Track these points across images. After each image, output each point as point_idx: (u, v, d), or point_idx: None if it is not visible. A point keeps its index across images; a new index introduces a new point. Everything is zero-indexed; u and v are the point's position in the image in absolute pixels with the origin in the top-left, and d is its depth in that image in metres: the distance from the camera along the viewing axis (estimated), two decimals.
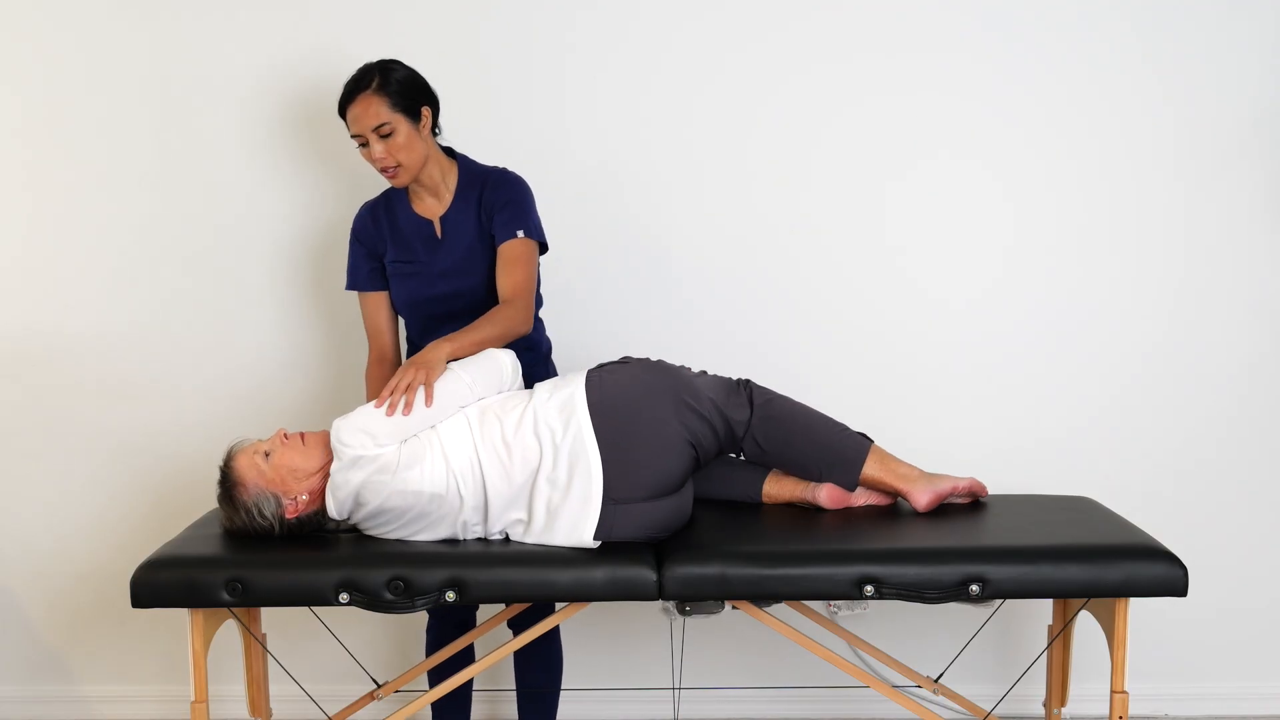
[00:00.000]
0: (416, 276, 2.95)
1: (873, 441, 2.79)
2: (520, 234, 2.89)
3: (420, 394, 2.62)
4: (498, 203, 2.91)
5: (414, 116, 2.85)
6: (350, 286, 3.03)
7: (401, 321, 3.06)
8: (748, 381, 2.79)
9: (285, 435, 2.66)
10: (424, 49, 3.22)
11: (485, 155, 3.06)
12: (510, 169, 2.99)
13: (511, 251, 2.88)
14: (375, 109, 2.81)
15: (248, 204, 3.36)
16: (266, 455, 2.62)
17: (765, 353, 3.36)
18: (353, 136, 2.86)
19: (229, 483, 2.63)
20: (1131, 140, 3.32)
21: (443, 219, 2.94)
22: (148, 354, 3.40)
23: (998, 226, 3.36)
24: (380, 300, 3.02)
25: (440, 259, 2.93)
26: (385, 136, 2.82)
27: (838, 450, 2.76)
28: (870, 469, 2.76)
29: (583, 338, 3.32)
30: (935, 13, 3.28)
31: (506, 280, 2.87)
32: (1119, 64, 3.29)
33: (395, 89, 2.83)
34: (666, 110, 3.33)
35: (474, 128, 3.23)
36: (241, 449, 2.66)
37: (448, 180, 2.95)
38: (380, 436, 2.57)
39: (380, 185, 3.09)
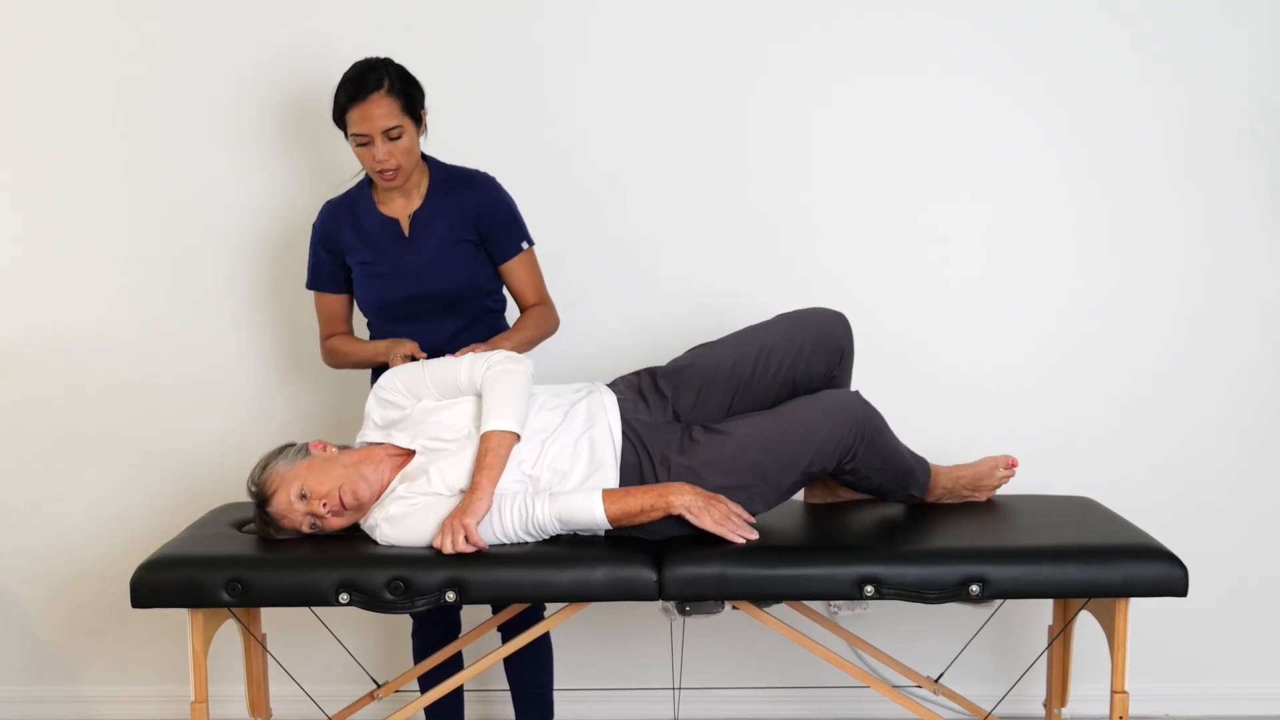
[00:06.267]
0: (388, 277, 2.88)
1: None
2: (525, 246, 2.94)
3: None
4: (485, 221, 2.89)
5: (417, 119, 2.81)
6: (311, 286, 2.98)
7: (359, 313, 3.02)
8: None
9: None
10: (427, 42, 3.22)
11: (496, 160, 3.05)
12: (479, 169, 2.94)
13: (524, 265, 2.94)
14: (388, 109, 2.73)
15: (243, 203, 3.36)
16: (304, 498, 2.56)
17: None
18: (354, 135, 2.76)
19: (268, 519, 2.59)
20: (1133, 141, 3.31)
21: (412, 217, 2.88)
22: (147, 354, 3.40)
23: (995, 228, 3.36)
24: (339, 300, 2.98)
25: (412, 258, 2.87)
26: (394, 139, 2.75)
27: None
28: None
29: (619, 346, 3.35)
30: (938, 21, 3.29)
31: (529, 291, 2.96)
32: (1122, 65, 3.29)
33: (403, 89, 2.76)
34: (657, 111, 3.33)
35: (489, 130, 3.26)
36: (276, 473, 2.58)
37: (421, 181, 2.89)
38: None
39: (345, 185, 3.03)
